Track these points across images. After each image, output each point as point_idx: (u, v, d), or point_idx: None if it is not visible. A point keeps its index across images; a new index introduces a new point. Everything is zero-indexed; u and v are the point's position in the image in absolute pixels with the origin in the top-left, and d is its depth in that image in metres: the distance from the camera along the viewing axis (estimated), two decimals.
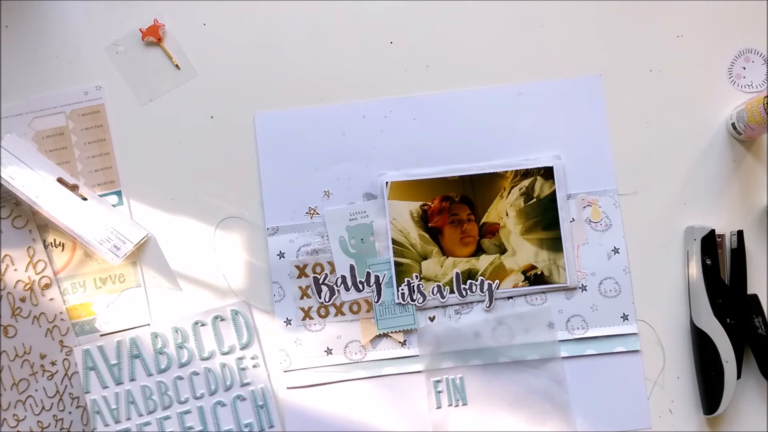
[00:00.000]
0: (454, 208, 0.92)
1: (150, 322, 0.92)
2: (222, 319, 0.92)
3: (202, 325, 0.92)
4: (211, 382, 0.91)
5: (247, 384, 0.92)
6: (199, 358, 0.92)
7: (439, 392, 0.92)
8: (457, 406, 0.92)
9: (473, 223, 0.92)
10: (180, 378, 0.91)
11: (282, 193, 0.93)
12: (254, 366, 0.92)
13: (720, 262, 0.91)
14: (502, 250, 0.92)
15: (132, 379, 0.91)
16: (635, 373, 0.91)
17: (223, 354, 0.92)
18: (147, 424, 0.91)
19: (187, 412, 0.91)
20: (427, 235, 0.92)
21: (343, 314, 0.92)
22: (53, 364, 0.92)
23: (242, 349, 0.92)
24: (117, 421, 0.91)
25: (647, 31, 0.95)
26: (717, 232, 0.91)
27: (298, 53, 0.95)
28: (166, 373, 0.91)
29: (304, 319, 0.92)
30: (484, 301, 0.92)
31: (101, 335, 0.92)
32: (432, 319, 0.92)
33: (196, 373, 0.91)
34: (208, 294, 0.93)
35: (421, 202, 0.92)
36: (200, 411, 0.91)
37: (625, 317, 0.92)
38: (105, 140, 0.94)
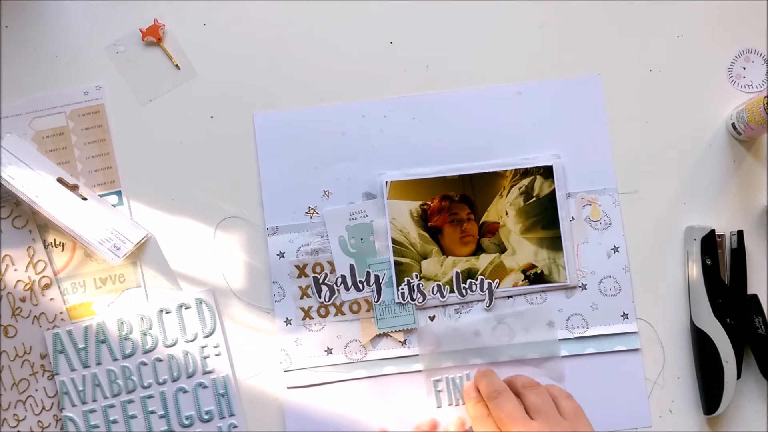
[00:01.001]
0: (454, 208, 0.92)
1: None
2: (186, 308, 0.92)
3: (167, 312, 0.92)
4: (173, 368, 0.92)
5: (209, 372, 0.92)
6: (163, 344, 0.92)
7: (439, 392, 0.92)
8: (457, 405, 0.92)
9: (473, 222, 0.92)
10: (144, 363, 0.92)
11: (282, 193, 0.94)
12: (216, 354, 0.92)
13: (720, 262, 0.91)
14: (502, 249, 0.92)
15: (98, 363, 0.92)
16: (635, 371, 0.91)
17: (187, 342, 0.92)
18: (111, 406, 0.92)
19: (150, 396, 0.92)
20: (426, 235, 0.92)
21: (343, 314, 0.92)
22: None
23: (206, 337, 0.92)
24: (83, 402, 0.92)
25: (647, 31, 0.95)
26: (717, 232, 0.91)
27: (298, 53, 0.95)
28: (130, 359, 0.92)
29: (304, 318, 0.92)
30: (484, 300, 0.92)
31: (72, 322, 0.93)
32: (432, 319, 0.92)
33: (159, 360, 0.92)
34: (209, 294, 0.93)
35: (420, 202, 0.92)
36: (162, 396, 0.92)
37: (625, 316, 0.92)
38: (105, 140, 0.94)
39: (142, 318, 0.92)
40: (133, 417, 0.92)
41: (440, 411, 0.92)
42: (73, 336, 0.92)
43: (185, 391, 0.92)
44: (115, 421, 0.92)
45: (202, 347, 0.92)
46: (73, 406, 0.91)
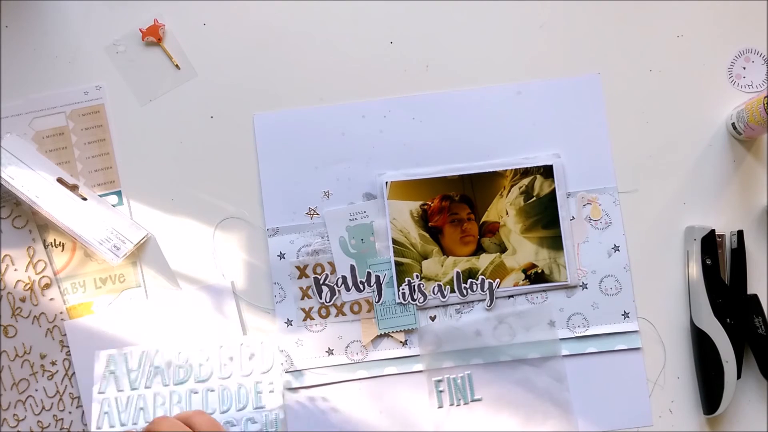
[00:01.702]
0: (454, 208, 0.92)
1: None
2: (248, 347, 0.92)
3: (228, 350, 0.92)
4: (224, 399, 0.91)
5: (261, 407, 0.91)
6: (218, 377, 0.91)
7: (441, 392, 0.92)
8: (458, 405, 0.92)
9: (473, 222, 0.92)
10: (195, 392, 0.91)
11: (282, 194, 0.93)
12: (270, 391, 0.91)
13: (720, 262, 0.91)
14: (503, 248, 0.92)
15: (147, 387, 0.91)
16: (636, 370, 0.91)
17: (243, 376, 0.91)
18: None
19: None
20: (427, 235, 0.92)
21: (344, 314, 0.92)
22: (53, 364, 0.92)
23: (263, 373, 0.92)
24: (123, 424, 0.90)
25: (647, 31, 0.95)
26: (717, 232, 0.91)
27: (298, 53, 0.95)
28: (182, 386, 0.91)
29: (305, 319, 0.92)
30: (484, 300, 0.92)
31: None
32: (433, 319, 0.92)
33: (211, 390, 0.91)
34: (209, 295, 0.93)
35: (421, 202, 0.92)
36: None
37: (625, 315, 0.92)
38: (105, 140, 0.94)
39: (201, 350, 0.91)
40: None
41: (442, 411, 0.91)
42: (128, 360, 0.91)
43: (233, 425, 0.90)
44: None
45: (257, 383, 0.91)
46: (111, 426, 0.90)
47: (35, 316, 0.92)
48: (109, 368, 0.91)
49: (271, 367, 0.92)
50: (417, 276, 0.92)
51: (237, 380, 0.91)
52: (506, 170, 0.92)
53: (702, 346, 0.90)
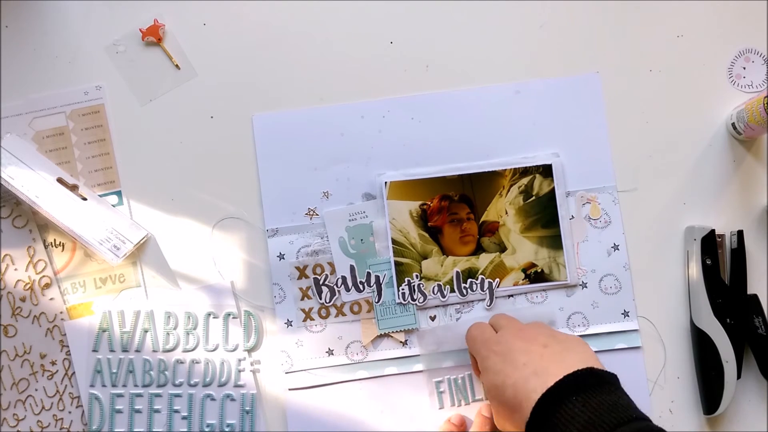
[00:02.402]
0: (454, 207, 0.92)
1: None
2: (234, 317, 0.92)
3: (214, 317, 0.92)
4: (208, 373, 0.92)
5: (241, 386, 0.92)
6: (204, 348, 0.92)
7: (441, 393, 0.92)
8: (459, 406, 0.92)
9: (473, 221, 0.92)
10: (181, 362, 0.92)
11: (281, 195, 0.93)
12: (252, 371, 0.92)
13: (720, 262, 0.91)
14: (502, 248, 0.92)
15: (137, 350, 0.92)
16: (637, 369, 0.91)
17: (228, 351, 0.92)
18: (139, 395, 0.92)
19: (178, 395, 0.92)
20: (426, 235, 0.92)
21: (343, 315, 0.92)
22: (53, 363, 0.92)
23: (246, 350, 0.92)
24: (113, 385, 0.92)
25: (647, 31, 0.95)
26: (717, 232, 0.91)
27: (297, 53, 0.95)
28: (169, 353, 0.92)
29: (304, 320, 0.92)
30: (484, 299, 0.92)
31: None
32: (433, 319, 0.92)
33: (196, 362, 0.92)
34: (209, 295, 0.93)
35: (420, 202, 0.92)
36: (190, 398, 0.92)
37: (625, 314, 0.91)
38: (105, 140, 0.94)
39: (189, 316, 0.92)
40: (157, 411, 0.92)
41: (442, 412, 0.91)
42: (124, 317, 0.92)
43: (213, 399, 0.92)
44: (138, 411, 0.91)
45: (240, 360, 0.92)
46: (103, 386, 0.92)
47: (35, 316, 0.92)
48: (102, 326, 0.92)
49: (256, 345, 0.93)
50: (417, 276, 0.92)
51: (221, 355, 0.92)
52: (505, 170, 0.92)
53: (702, 346, 0.90)
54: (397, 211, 0.92)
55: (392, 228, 0.92)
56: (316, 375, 0.92)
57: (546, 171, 0.92)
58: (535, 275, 0.92)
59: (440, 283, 0.92)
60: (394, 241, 0.92)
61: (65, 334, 0.92)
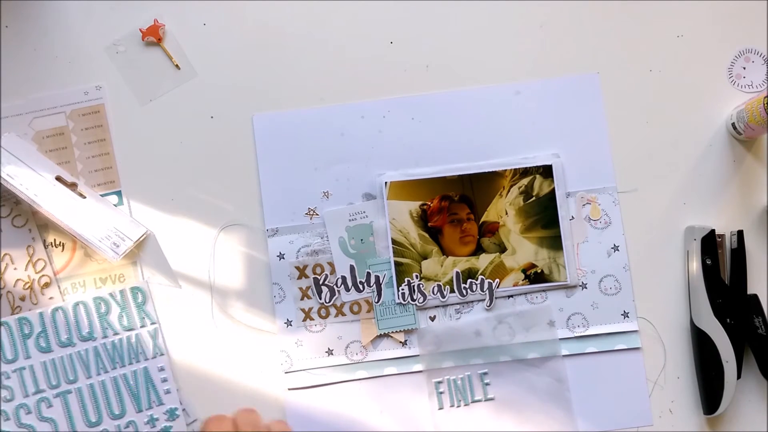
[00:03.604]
0: (454, 208, 0.92)
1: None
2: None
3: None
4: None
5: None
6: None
7: (441, 393, 0.92)
8: (458, 406, 0.92)
9: (473, 222, 0.92)
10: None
11: (281, 194, 0.93)
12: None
13: (720, 262, 0.91)
14: (502, 248, 0.92)
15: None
16: (636, 370, 0.91)
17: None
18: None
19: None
20: (426, 235, 0.92)
21: (343, 315, 0.92)
22: None
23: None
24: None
25: (647, 31, 0.95)
26: (717, 232, 0.91)
27: (297, 53, 0.95)
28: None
29: (304, 320, 0.92)
30: (484, 300, 0.92)
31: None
32: (432, 319, 0.92)
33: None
34: (209, 295, 0.93)
35: (420, 202, 0.92)
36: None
37: (625, 314, 0.92)
38: (105, 140, 0.94)
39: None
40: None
41: (442, 412, 0.91)
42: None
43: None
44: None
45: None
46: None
47: None
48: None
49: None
50: (416, 276, 0.92)
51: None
52: (505, 170, 0.92)
53: (702, 346, 0.90)
54: (397, 211, 0.92)
55: (392, 228, 0.92)
56: (316, 375, 0.92)
57: (546, 171, 0.92)
58: (535, 276, 0.92)
59: (440, 283, 0.92)
60: (394, 241, 0.92)
61: None
